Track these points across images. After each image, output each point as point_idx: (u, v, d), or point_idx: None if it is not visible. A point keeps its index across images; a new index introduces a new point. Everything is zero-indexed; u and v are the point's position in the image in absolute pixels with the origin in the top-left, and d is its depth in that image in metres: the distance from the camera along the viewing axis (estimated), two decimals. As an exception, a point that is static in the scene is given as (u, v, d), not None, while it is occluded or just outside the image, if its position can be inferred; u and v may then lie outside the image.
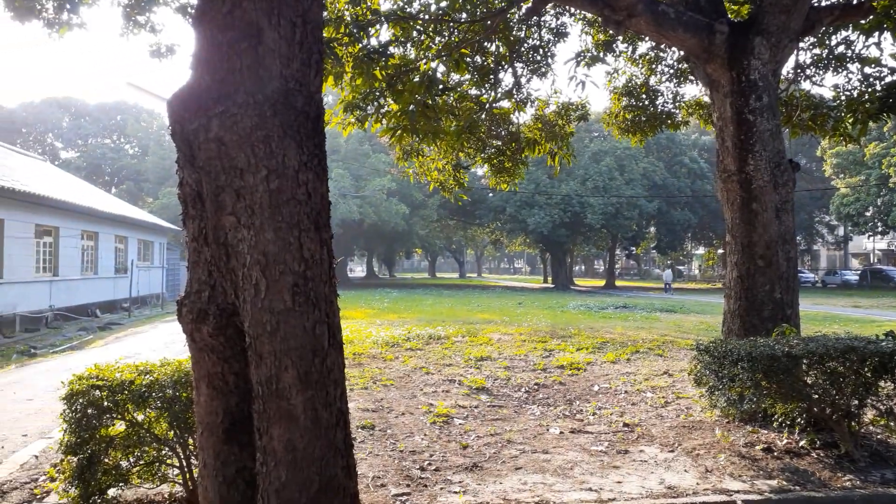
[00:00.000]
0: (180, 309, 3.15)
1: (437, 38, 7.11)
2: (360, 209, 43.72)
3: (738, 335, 7.33)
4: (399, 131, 6.11)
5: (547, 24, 10.08)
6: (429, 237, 57.21)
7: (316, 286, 3.01)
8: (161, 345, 14.82)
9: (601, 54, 11.02)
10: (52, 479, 5.35)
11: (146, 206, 46.88)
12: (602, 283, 58.92)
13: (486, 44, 7.44)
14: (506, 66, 8.89)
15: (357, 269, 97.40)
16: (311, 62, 2.94)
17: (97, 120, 60.37)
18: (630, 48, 11.66)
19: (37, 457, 6.04)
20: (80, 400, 4.65)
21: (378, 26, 6.15)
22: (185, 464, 4.79)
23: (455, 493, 5.07)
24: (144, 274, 29.92)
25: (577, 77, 10.56)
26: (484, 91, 8.64)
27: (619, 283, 60.73)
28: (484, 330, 16.17)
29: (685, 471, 5.53)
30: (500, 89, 9.32)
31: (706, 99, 11.22)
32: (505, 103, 9.80)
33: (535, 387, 9.00)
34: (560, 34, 10.31)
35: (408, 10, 6.60)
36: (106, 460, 4.76)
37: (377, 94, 6.73)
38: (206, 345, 3.11)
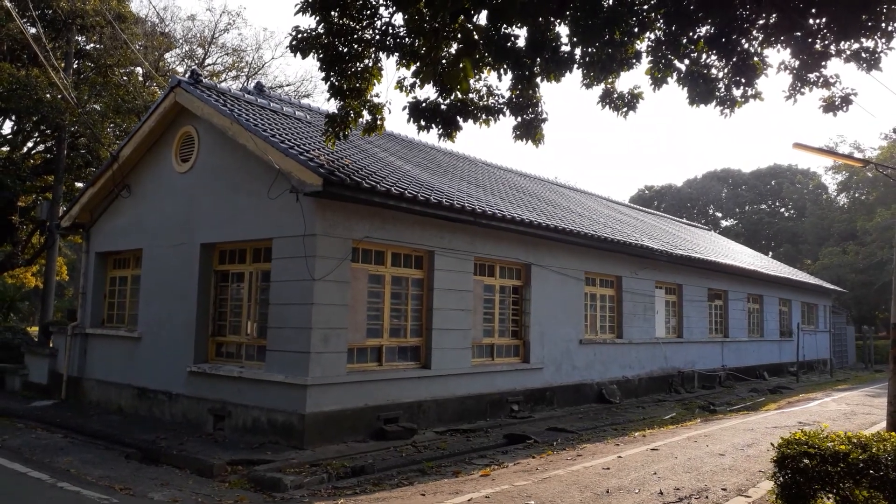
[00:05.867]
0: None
1: None
2: None
3: None
4: None
5: None
6: None
7: None
8: (840, 415, 13.67)
9: None
10: (757, 540, 5.38)
11: (804, 267, 45.31)
12: None
13: None
14: None
15: None
16: None
17: (753, 187, 62.41)
18: None
19: (737, 512, 6.21)
20: (790, 465, 4.53)
21: None
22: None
23: None
24: (809, 338, 28.74)
25: None
26: None
27: None
28: None
29: None
30: None
31: None
32: None
33: None
34: None
35: None
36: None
37: None
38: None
